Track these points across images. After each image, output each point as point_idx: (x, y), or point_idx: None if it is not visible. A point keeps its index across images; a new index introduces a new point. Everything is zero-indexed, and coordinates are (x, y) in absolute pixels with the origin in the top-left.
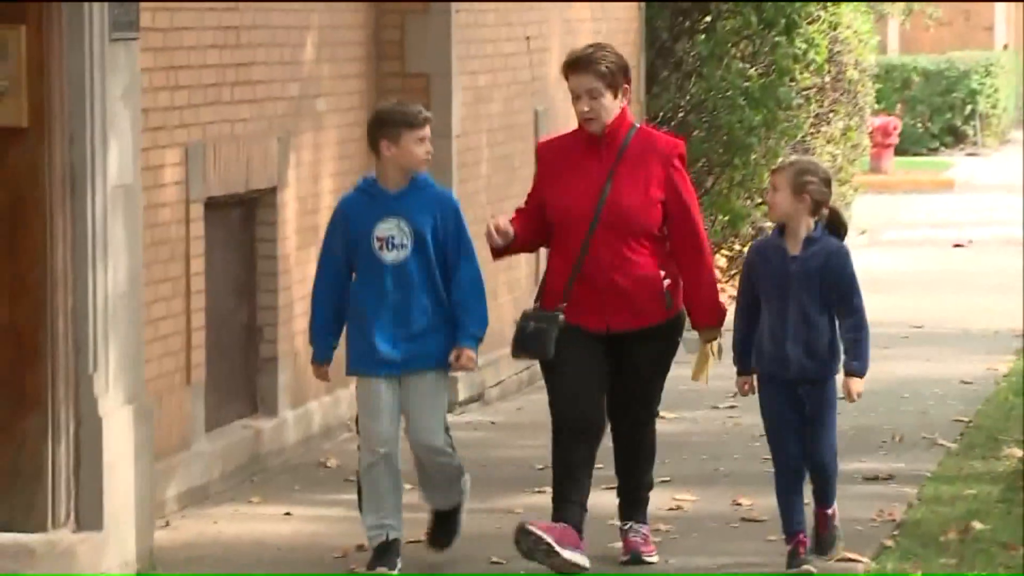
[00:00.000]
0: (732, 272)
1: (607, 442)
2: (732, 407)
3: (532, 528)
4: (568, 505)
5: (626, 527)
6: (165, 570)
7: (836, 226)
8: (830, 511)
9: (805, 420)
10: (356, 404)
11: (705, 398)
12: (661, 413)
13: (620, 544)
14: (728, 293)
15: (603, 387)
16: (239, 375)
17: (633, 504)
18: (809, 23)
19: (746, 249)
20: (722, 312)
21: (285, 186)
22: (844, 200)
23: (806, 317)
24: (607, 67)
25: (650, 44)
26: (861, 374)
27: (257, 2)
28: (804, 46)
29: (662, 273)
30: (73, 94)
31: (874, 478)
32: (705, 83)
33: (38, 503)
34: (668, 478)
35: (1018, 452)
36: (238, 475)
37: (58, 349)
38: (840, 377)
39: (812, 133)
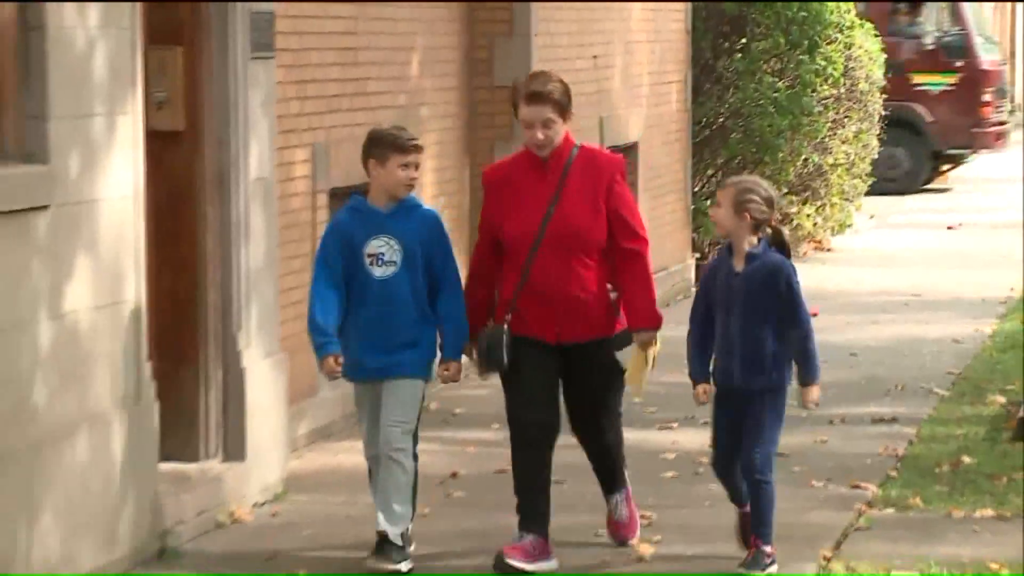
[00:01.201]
0: None
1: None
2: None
3: (509, 562)
4: (534, 516)
5: (609, 501)
6: (296, 493)
7: (780, 244)
8: (765, 547)
9: (741, 427)
10: None
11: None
12: None
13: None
14: None
15: (556, 392)
16: None
17: (607, 478)
18: (828, 44)
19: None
20: (658, 318)
21: None
22: (856, 191)
23: (748, 331)
24: (559, 97)
25: (695, 62)
26: (815, 383)
27: (371, 28)
28: (824, 63)
29: (609, 286)
30: (221, 104)
31: (880, 420)
32: (741, 94)
33: (193, 439)
34: (707, 419)
35: (1001, 399)
36: (355, 416)
37: (208, 314)
38: (794, 387)
39: (829, 135)
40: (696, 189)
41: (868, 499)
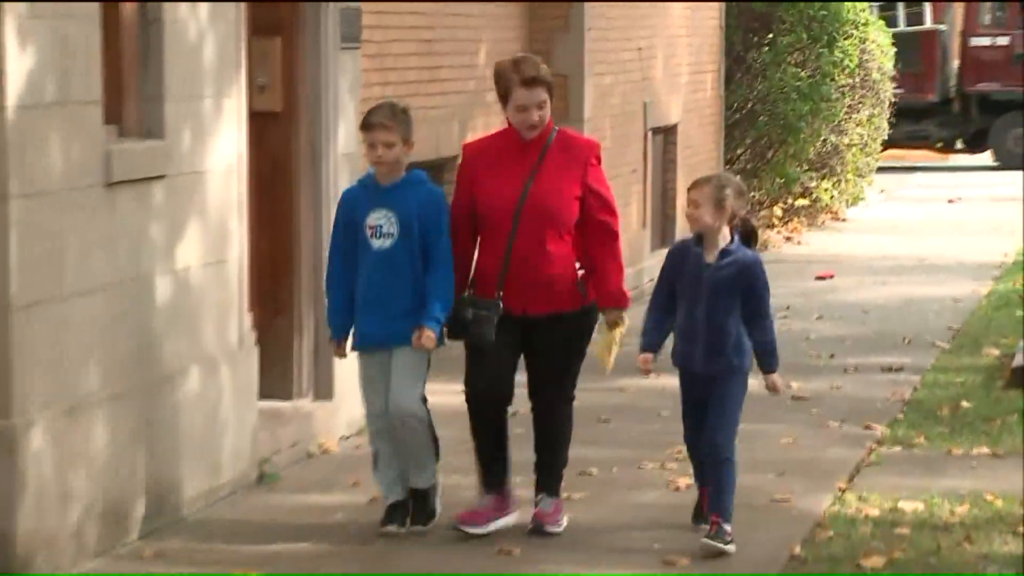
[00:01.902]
0: (785, 220)
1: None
2: (785, 316)
3: (465, 529)
4: (491, 468)
5: (538, 498)
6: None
7: (748, 233)
8: (723, 524)
9: (706, 408)
10: None
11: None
12: None
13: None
14: (783, 235)
15: (515, 365)
16: None
17: (547, 478)
18: (845, 39)
19: (795, 202)
20: (625, 298)
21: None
22: (868, 168)
23: (713, 320)
24: (550, 80)
25: (728, 53)
26: (776, 371)
27: (445, 23)
28: (841, 55)
29: (577, 264)
30: (314, 88)
31: (889, 369)
32: (768, 82)
33: (288, 380)
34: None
35: (995, 351)
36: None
37: (302, 270)
38: (747, 375)
39: (845, 119)
40: (727, 167)
41: (878, 438)
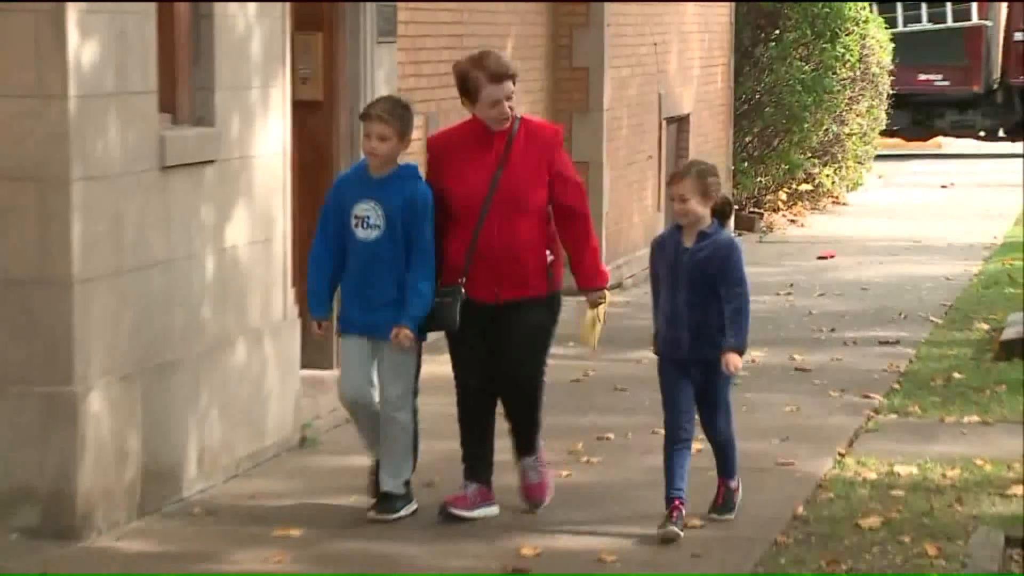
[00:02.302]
0: (790, 204)
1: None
2: (789, 294)
3: (451, 511)
4: (476, 463)
5: (521, 464)
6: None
7: (725, 213)
8: (732, 483)
9: (698, 396)
10: None
11: (770, 285)
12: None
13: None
14: (788, 218)
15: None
16: None
17: (523, 441)
18: (846, 35)
19: (799, 187)
20: (604, 276)
21: None
22: (867, 155)
23: (695, 303)
24: (515, 73)
25: (737, 48)
26: (739, 350)
27: (475, 19)
28: (843, 50)
29: (546, 249)
30: (352, 79)
31: (886, 342)
32: (774, 75)
33: (328, 350)
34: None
35: (985, 326)
36: None
37: None
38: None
39: (846, 110)
40: (735, 154)
41: (875, 407)
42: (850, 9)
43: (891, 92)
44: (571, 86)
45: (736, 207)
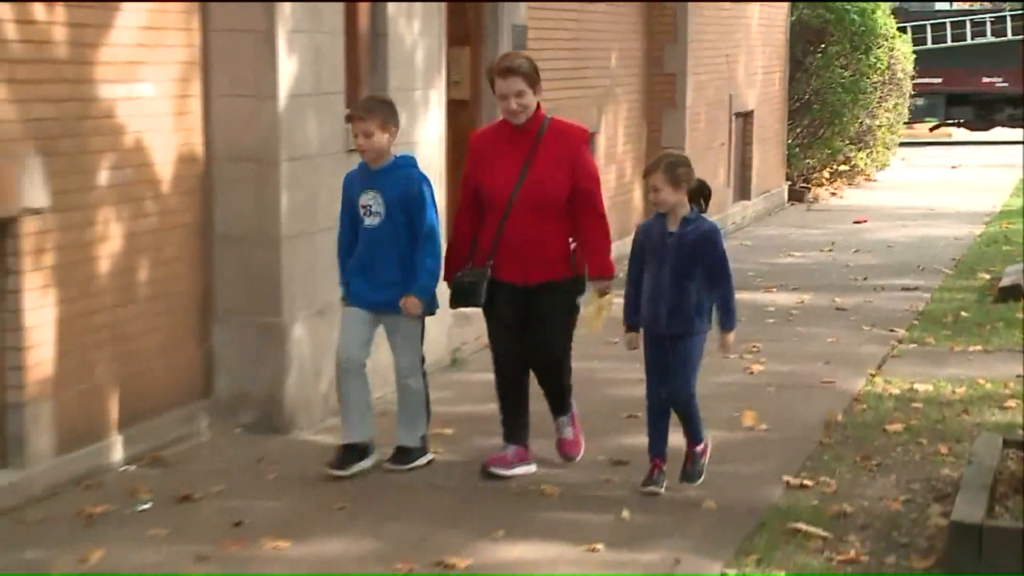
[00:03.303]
0: (831, 180)
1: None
2: (831, 250)
3: (491, 470)
4: (513, 426)
5: (557, 422)
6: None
7: (704, 195)
8: (698, 448)
9: (666, 361)
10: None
11: (816, 243)
12: (792, 252)
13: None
14: (829, 191)
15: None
16: None
17: (555, 402)
18: (878, 48)
19: (839, 168)
20: (612, 268)
21: (598, 133)
22: (893, 142)
23: (676, 283)
24: (527, 70)
25: (791, 59)
26: (732, 330)
27: (587, 36)
28: (874, 60)
29: (569, 239)
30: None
31: (907, 288)
32: (819, 80)
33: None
34: (797, 286)
35: (986, 276)
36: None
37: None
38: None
39: (876, 106)
40: (789, 141)
41: (899, 338)
42: (881, 27)
43: (958, 92)
44: (662, 88)
45: (789, 182)
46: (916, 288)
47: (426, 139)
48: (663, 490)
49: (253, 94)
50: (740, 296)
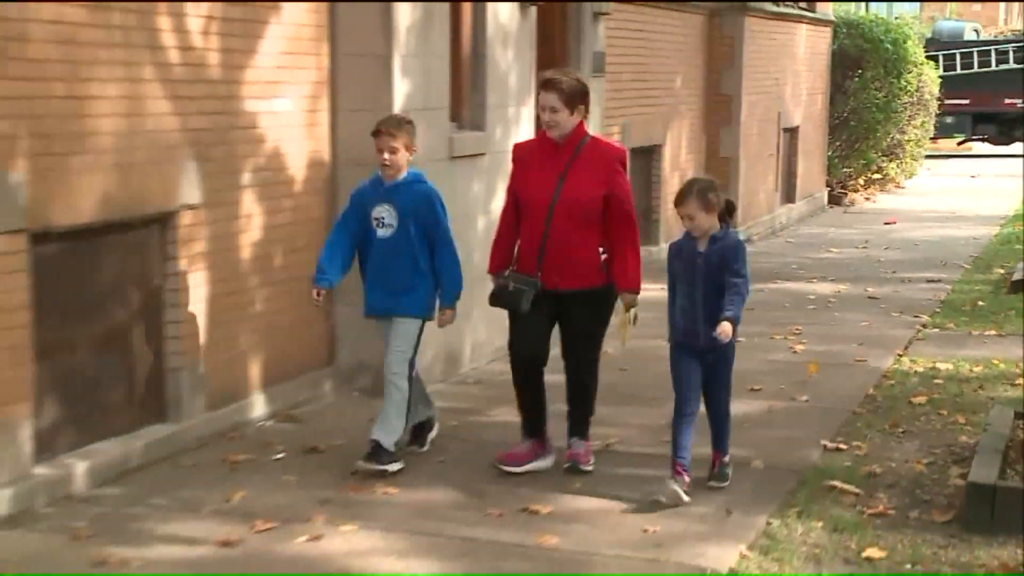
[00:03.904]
0: (866, 187)
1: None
2: (865, 247)
3: (503, 467)
4: (530, 427)
5: (571, 441)
6: None
7: (729, 209)
8: (725, 459)
9: (706, 377)
10: None
11: (852, 241)
12: (830, 248)
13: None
14: (864, 196)
15: (549, 332)
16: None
17: (578, 425)
18: (908, 73)
19: (872, 176)
20: (639, 283)
21: (664, 144)
22: (919, 154)
23: (710, 299)
24: (566, 88)
25: (832, 82)
26: (734, 321)
27: (655, 60)
28: (905, 83)
29: (601, 249)
30: None
31: (931, 280)
32: (856, 100)
33: None
34: (834, 278)
35: (1001, 270)
36: None
37: None
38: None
39: (906, 124)
40: (829, 153)
41: (923, 323)
42: (911, 56)
43: (984, 111)
44: (719, 107)
45: (829, 188)
46: (939, 280)
47: None
48: (685, 495)
49: (372, 108)
50: (785, 286)
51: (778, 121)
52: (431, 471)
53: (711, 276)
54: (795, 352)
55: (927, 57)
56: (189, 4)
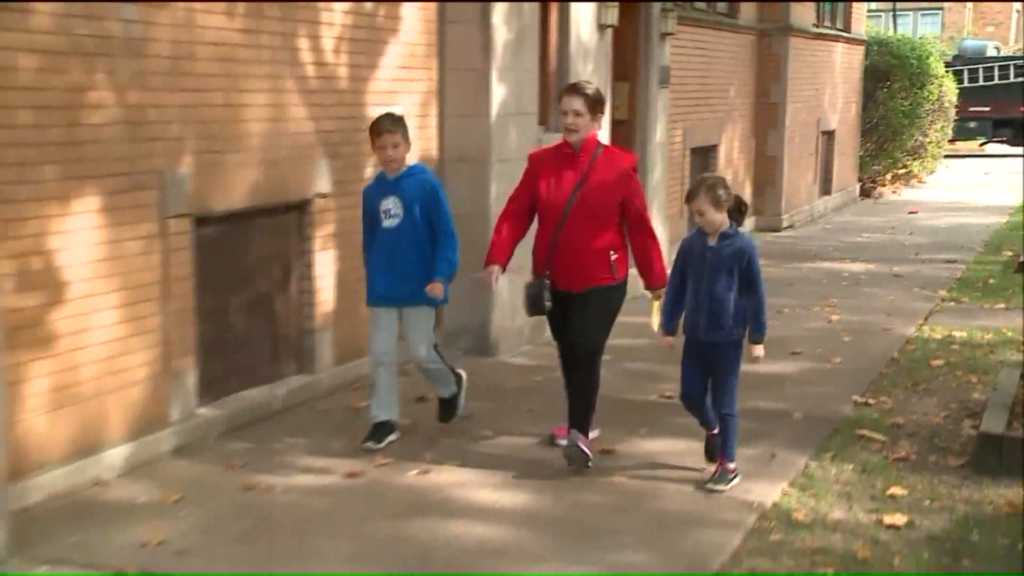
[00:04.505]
0: (892, 182)
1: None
2: (891, 232)
3: (557, 443)
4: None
5: (570, 432)
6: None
7: (740, 209)
8: (730, 466)
9: (708, 372)
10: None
11: (880, 227)
12: (861, 234)
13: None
14: (891, 190)
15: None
16: None
17: (577, 418)
18: (930, 84)
19: (898, 172)
20: (665, 278)
21: (719, 144)
22: (939, 153)
23: (714, 294)
24: (590, 93)
25: (864, 92)
26: (760, 341)
27: (714, 74)
28: (927, 93)
29: (611, 250)
30: (643, 107)
31: (948, 261)
32: (885, 108)
33: None
34: (865, 258)
35: (1009, 253)
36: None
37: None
38: (747, 345)
39: (928, 127)
40: (861, 153)
41: (942, 297)
42: (932, 70)
43: (1004, 117)
44: (767, 114)
45: (860, 182)
46: (955, 261)
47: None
48: (732, 484)
49: (473, 114)
50: (822, 265)
51: (817, 125)
52: (521, 419)
53: (718, 270)
54: (830, 321)
55: (954, 71)
56: (324, 26)
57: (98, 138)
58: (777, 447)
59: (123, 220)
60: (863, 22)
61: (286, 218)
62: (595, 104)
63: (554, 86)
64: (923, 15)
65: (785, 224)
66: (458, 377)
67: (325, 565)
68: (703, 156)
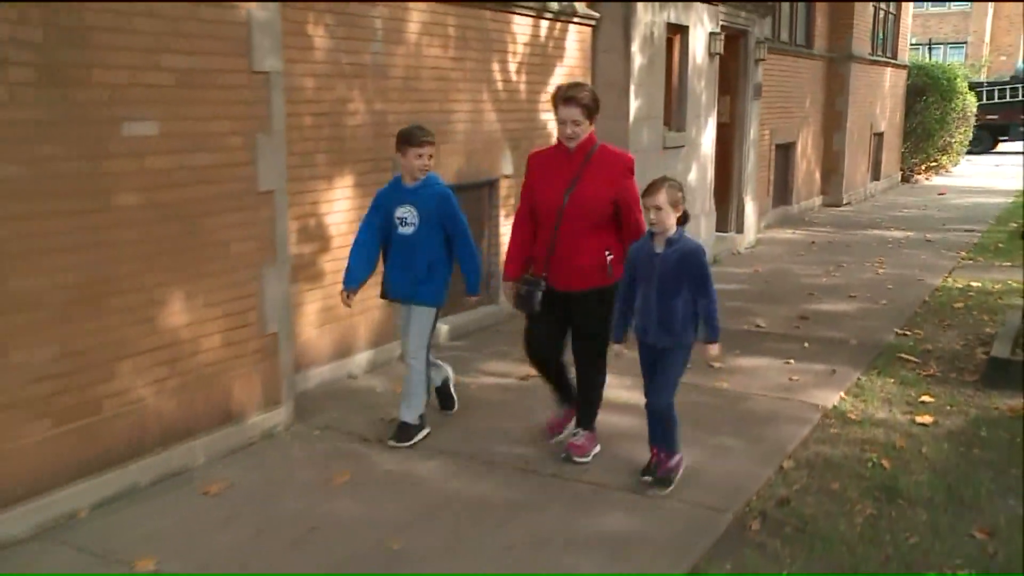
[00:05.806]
0: (926, 171)
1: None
2: (924, 208)
3: (575, 459)
4: (559, 396)
5: (575, 431)
6: (760, 246)
7: (683, 217)
8: (672, 460)
9: (650, 370)
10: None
11: (916, 205)
12: (902, 209)
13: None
14: (924, 177)
15: (560, 331)
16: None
17: (583, 416)
18: (957, 99)
19: (931, 164)
20: None
21: (797, 142)
22: (962, 150)
23: (662, 299)
24: (587, 102)
25: (905, 104)
26: (714, 341)
27: (791, 88)
28: (955, 106)
29: (607, 250)
30: (741, 114)
31: (966, 230)
32: (921, 116)
33: (726, 222)
34: (904, 228)
35: (1014, 224)
36: (786, 210)
37: (734, 184)
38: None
39: (953, 132)
40: (902, 150)
41: (963, 257)
42: (959, 88)
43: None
44: (832, 119)
45: (901, 171)
46: (973, 230)
47: (706, 144)
48: (671, 484)
49: (616, 117)
50: (872, 232)
51: (871, 128)
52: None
53: (665, 277)
54: (878, 274)
55: (1010, 89)
56: (509, 55)
57: (354, 135)
58: (837, 365)
59: (369, 192)
60: (907, 52)
61: (480, 192)
62: (592, 110)
63: (676, 96)
64: (951, 47)
65: (845, 201)
66: (445, 383)
67: (505, 442)
68: (785, 150)
